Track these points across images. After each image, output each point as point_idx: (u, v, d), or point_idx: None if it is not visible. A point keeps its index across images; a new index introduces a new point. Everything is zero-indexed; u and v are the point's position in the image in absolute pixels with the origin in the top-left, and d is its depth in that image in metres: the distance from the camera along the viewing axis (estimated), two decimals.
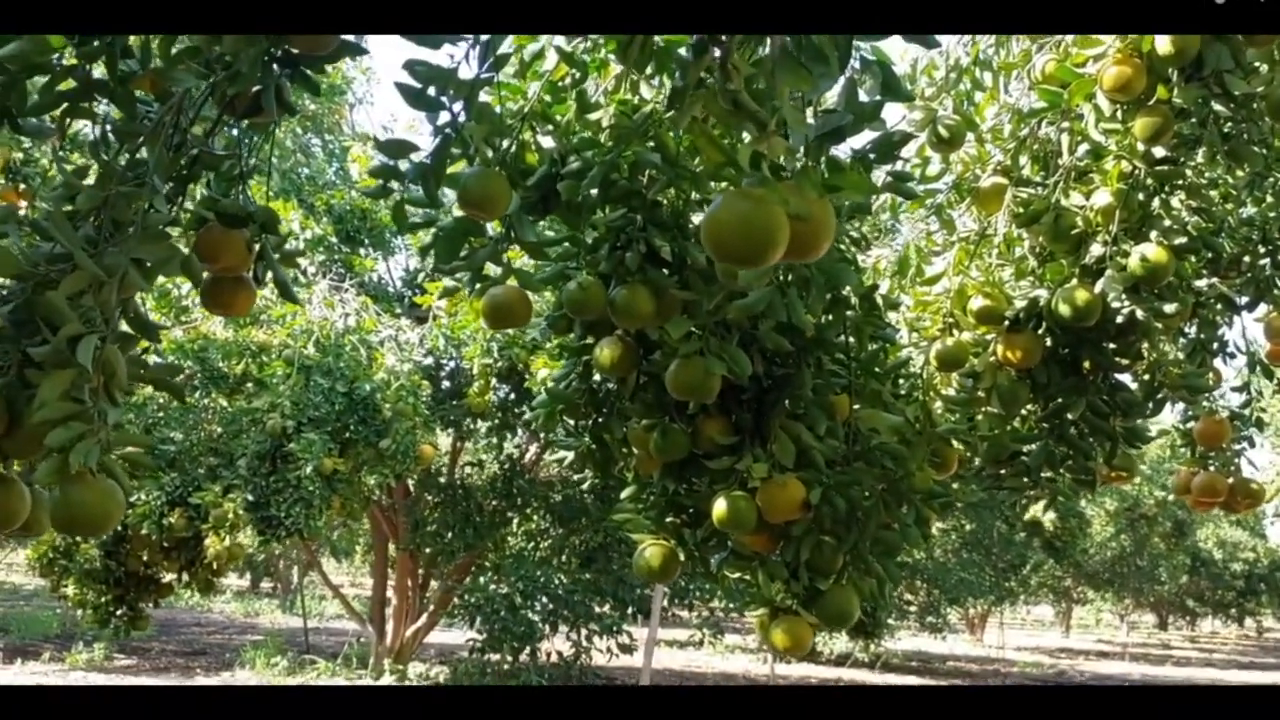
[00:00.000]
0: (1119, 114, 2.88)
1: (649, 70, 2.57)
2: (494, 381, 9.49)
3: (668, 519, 3.15)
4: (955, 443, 3.54)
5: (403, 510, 12.79)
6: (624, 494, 3.21)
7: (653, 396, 3.04)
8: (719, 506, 2.85)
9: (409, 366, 8.25)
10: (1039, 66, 3.06)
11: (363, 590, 27.83)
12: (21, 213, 2.14)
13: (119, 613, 7.60)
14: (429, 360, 9.80)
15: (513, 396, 10.68)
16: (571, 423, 3.21)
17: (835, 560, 2.98)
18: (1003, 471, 3.42)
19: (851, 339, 2.95)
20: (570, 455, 3.28)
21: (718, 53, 1.47)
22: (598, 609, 11.50)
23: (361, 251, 10.80)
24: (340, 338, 8.04)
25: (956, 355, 3.26)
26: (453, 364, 10.51)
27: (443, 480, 12.34)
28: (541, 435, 12.34)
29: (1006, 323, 3.19)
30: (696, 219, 2.71)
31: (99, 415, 1.93)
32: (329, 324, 8.10)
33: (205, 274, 2.33)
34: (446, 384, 10.80)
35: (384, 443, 7.76)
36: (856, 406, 3.09)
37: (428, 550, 12.10)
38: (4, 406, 1.94)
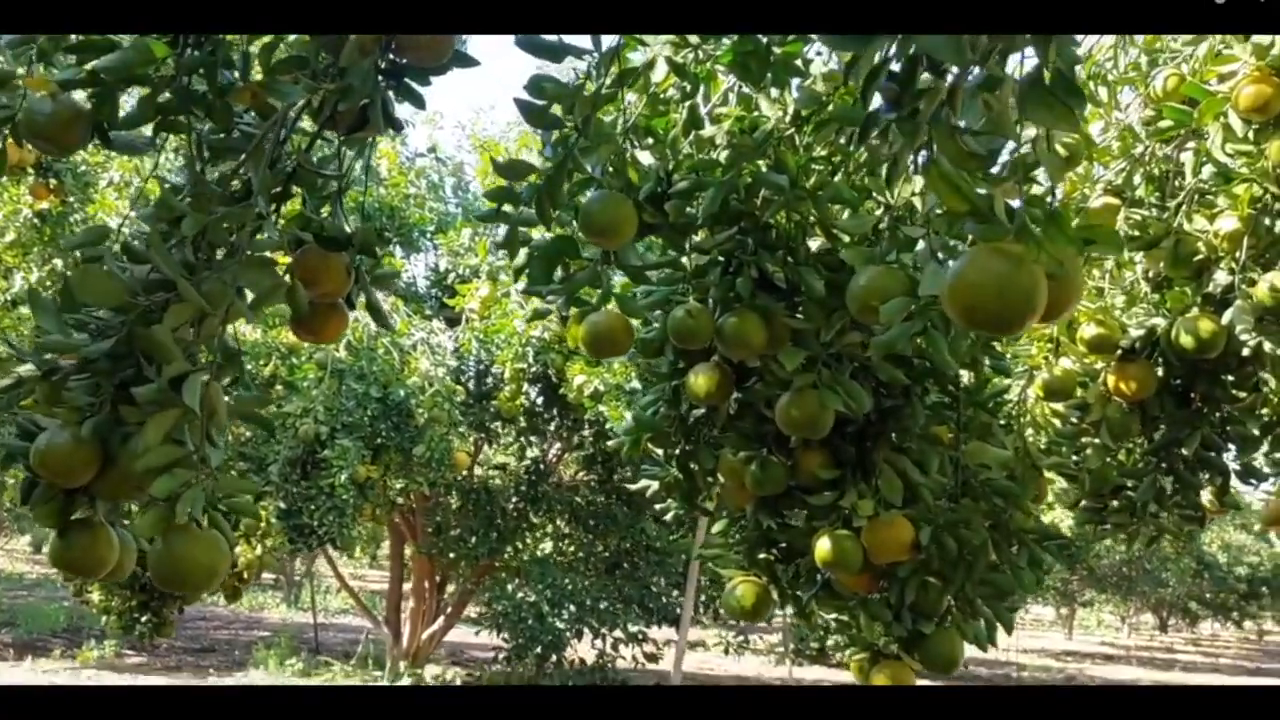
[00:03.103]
0: (1250, 135, 2.72)
1: (767, 84, 2.42)
2: (525, 385, 9.33)
3: (760, 555, 3.00)
4: (1050, 474, 3.39)
5: (422, 512, 12.64)
6: (713, 528, 3.05)
7: (749, 426, 2.88)
8: (823, 546, 2.69)
9: (442, 371, 8.09)
10: (1159, 82, 2.90)
11: (366, 584, 27.72)
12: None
13: (144, 619, 7.47)
14: (456, 362, 9.65)
15: (542, 400, 10.53)
16: (658, 451, 3.06)
17: (941, 603, 2.82)
18: (1106, 505, 3.26)
19: (964, 369, 2.80)
20: (654, 485, 3.13)
21: (926, 77, 1.30)
22: (623, 617, 11.35)
23: (389, 251, 10.63)
24: (372, 340, 7.88)
25: (1064, 385, 3.10)
26: (480, 366, 10.36)
27: (465, 483, 12.19)
28: (565, 438, 12.20)
29: (1119, 352, 3.03)
30: (813, 243, 2.56)
31: (202, 459, 1.77)
32: (360, 326, 7.94)
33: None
34: (474, 385, 10.64)
35: (417, 449, 7.61)
36: (957, 438, 2.95)
37: (450, 554, 11.94)
38: (98, 447, 1.78)
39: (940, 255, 2.03)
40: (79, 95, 1.95)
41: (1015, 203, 1.27)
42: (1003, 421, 3.16)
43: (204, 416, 1.79)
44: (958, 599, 2.82)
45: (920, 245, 2.16)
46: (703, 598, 11.35)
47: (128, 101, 2.13)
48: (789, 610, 3.07)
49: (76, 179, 8.13)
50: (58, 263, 8.39)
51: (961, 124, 1.23)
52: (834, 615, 2.97)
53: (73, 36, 1.87)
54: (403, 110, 2.20)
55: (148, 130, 2.07)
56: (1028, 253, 1.23)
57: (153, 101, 1.98)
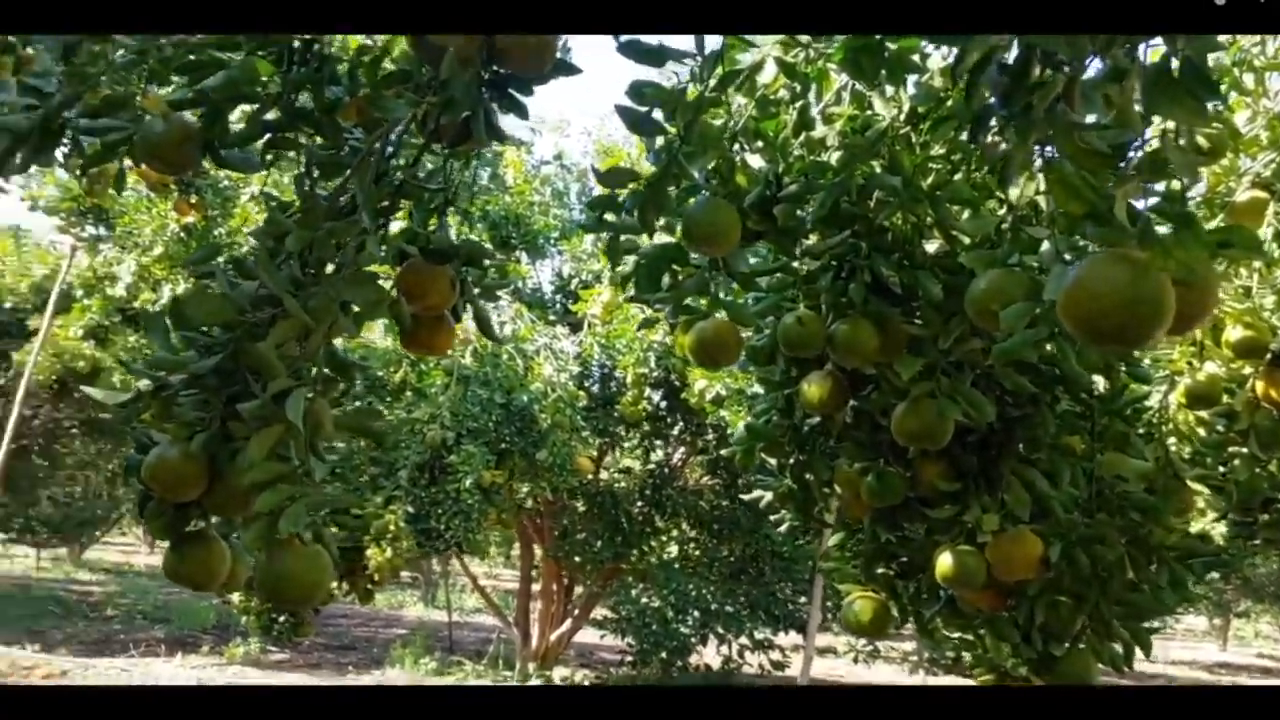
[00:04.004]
0: None
1: (881, 81, 2.32)
2: (647, 390, 9.32)
3: (878, 569, 2.89)
4: (1195, 485, 3.18)
5: (549, 516, 12.77)
6: (830, 540, 2.96)
7: (865, 436, 2.78)
8: (944, 562, 2.58)
9: (565, 377, 8.14)
10: None
11: (499, 583, 28.18)
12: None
13: (281, 619, 7.73)
14: (579, 368, 9.71)
15: (665, 405, 10.52)
16: (773, 461, 2.99)
17: (1073, 623, 2.67)
18: (1256, 519, 3.05)
19: (1097, 375, 2.64)
20: (768, 495, 3.06)
21: (1044, 70, 1.20)
22: (748, 623, 11.24)
23: (514, 258, 10.78)
24: (497, 346, 7.97)
25: (1209, 391, 2.90)
26: (604, 371, 10.40)
27: (589, 487, 12.27)
28: (688, 443, 12.16)
29: (1269, 356, 2.82)
30: (930, 246, 2.45)
31: (306, 474, 1.78)
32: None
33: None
34: (597, 390, 10.69)
35: (541, 454, 7.67)
36: (1091, 448, 2.79)
37: (576, 558, 12.02)
38: (206, 462, 1.81)
39: (1067, 257, 1.91)
40: (190, 115, 2.00)
41: (1144, 203, 1.16)
42: (1141, 431, 2.98)
43: (308, 431, 1.79)
44: (1092, 619, 2.67)
45: (1045, 246, 2.04)
46: (830, 604, 11.15)
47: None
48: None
49: (217, 194, 8.47)
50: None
51: (1084, 119, 1.13)
52: (958, 634, 2.85)
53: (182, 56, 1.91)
54: (533, 115, 2.17)
55: (259, 147, 2.11)
56: (1153, 259, 1.12)
57: (261, 119, 2.01)
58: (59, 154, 2.28)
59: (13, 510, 18.37)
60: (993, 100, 1.26)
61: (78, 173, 2.54)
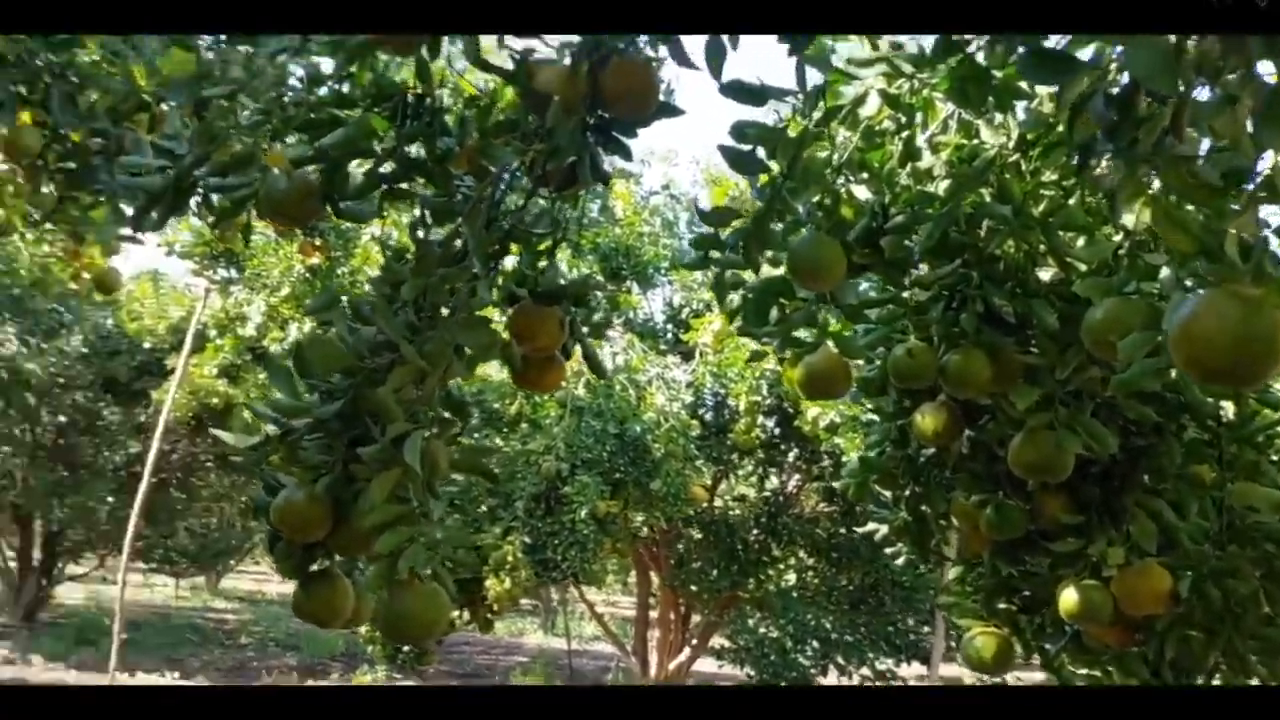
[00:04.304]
0: None
1: (988, 108, 2.29)
2: (760, 418, 9.28)
3: (999, 604, 2.82)
4: None
5: (665, 544, 12.78)
6: (949, 575, 2.91)
7: (982, 467, 2.73)
8: (1068, 597, 2.51)
9: (678, 406, 8.17)
10: None
11: (616, 610, 28.23)
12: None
13: (405, 649, 7.88)
14: (692, 397, 9.73)
15: (779, 432, 10.45)
16: (887, 493, 2.95)
17: (1206, 659, 2.57)
18: None
19: (1225, 402, 2.54)
20: (883, 528, 3.02)
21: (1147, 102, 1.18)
22: (869, 653, 11.03)
23: (625, 288, 10.89)
24: (610, 377, 8.06)
25: None
26: (716, 399, 10.40)
27: (705, 515, 12.24)
28: (803, 470, 12.04)
29: None
30: (1044, 274, 2.40)
31: (424, 514, 1.84)
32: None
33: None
34: (710, 418, 10.68)
35: (654, 484, 7.70)
36: (1221, 478, 2.68)
37: (693, 586, 11.99)
38: (330, 504, 1.88)
39: (1188, 284, 1.85)
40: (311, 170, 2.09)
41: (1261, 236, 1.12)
42: (1275, 458, 2.85)
43: (425, 473, 1.85)
44: (1225, 655, 2.56)
45: (1164, 273, 1.98)
46: (953, 633, 10.87)
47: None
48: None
49: (339, 235, 8.78)
50: None
51: (1193, 151, 1.11)
52: (1085, 670, 2.76)
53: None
54: (637, 149, 2.20)
55: (375, 197, 2.20)
56: (1268, 295, 1.08)
57: (377, 171, 2.10)
58: (191, 205, 2.41)
59: (153, 541, 19.19)
60: (1099, 134, 1.24)
61: (205, 221, 2.65)
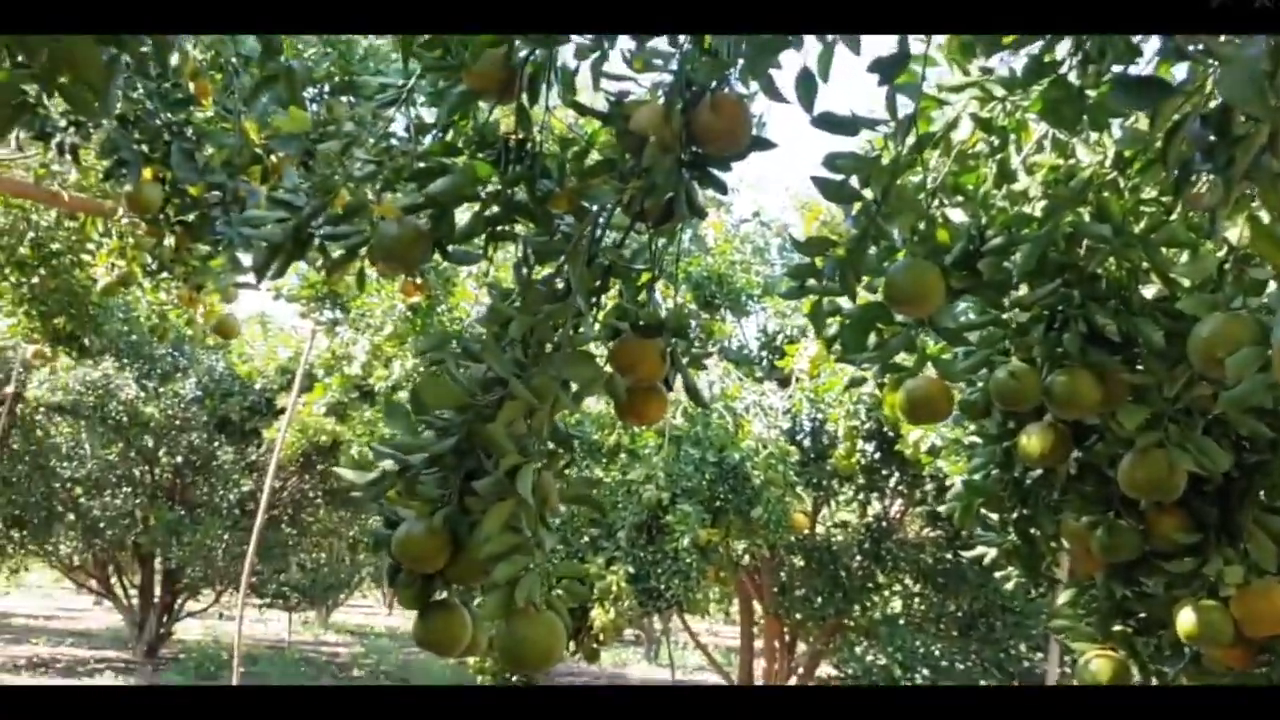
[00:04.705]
0: None
1: (1083, 127, 2.29)
2: (860, 443, 9.21)
3: (1114, 626, 2.77)
4: None
5: (767, 572, 12.71)
6: (1061, 598, 2.87)
7: (1092, 488, 2.70)
8: (1186, 618, 2.46)
9: (776, 433, 8.17)
10: None
11: (720, 640, 28.05)
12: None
13: (513, 679, 8.00)
14: (789, 423, 9.71)
15: (879, 456, 10.35)
16: (994, 517, 2.93)
17: None
18: None
19: None
20: (992, 552, 2.99)
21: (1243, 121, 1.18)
22: (981, 681, 10.79)
23: (719, 316, 10.94)
24: (709, 406, 8.09)
25: None
26: (814, 425, 10.36)
27: (807, 542, 12.15)
28: (905, 495, 11.89)
29: None
30: (1147, 291, 2.37)
31: (538, 544, 1.90)
32: None
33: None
34: (808, 444, 10.64)
35: (755, 511, 7.70)
36: None
37: (797, 614, 11.89)
38: (448, 536, 1.95)
39: None
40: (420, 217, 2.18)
41: None
42: None
43: (537, 504, 1.91)
44: None
45: (1271, 288, 1.96)
46: (1067, 659, 10.57)
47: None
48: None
49: (439, 275, 9.00)
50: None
51: None
52: None
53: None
54: (727, 179, 2.24)
55: (480, 240, 2.29)
56: None
57: (482, 216, 2.18)
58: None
59: (266, 577, 19.74)
60: (1196, 155, 1.25)
61: (319, 267, 2.78)
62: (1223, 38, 1.15)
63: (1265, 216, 1.64)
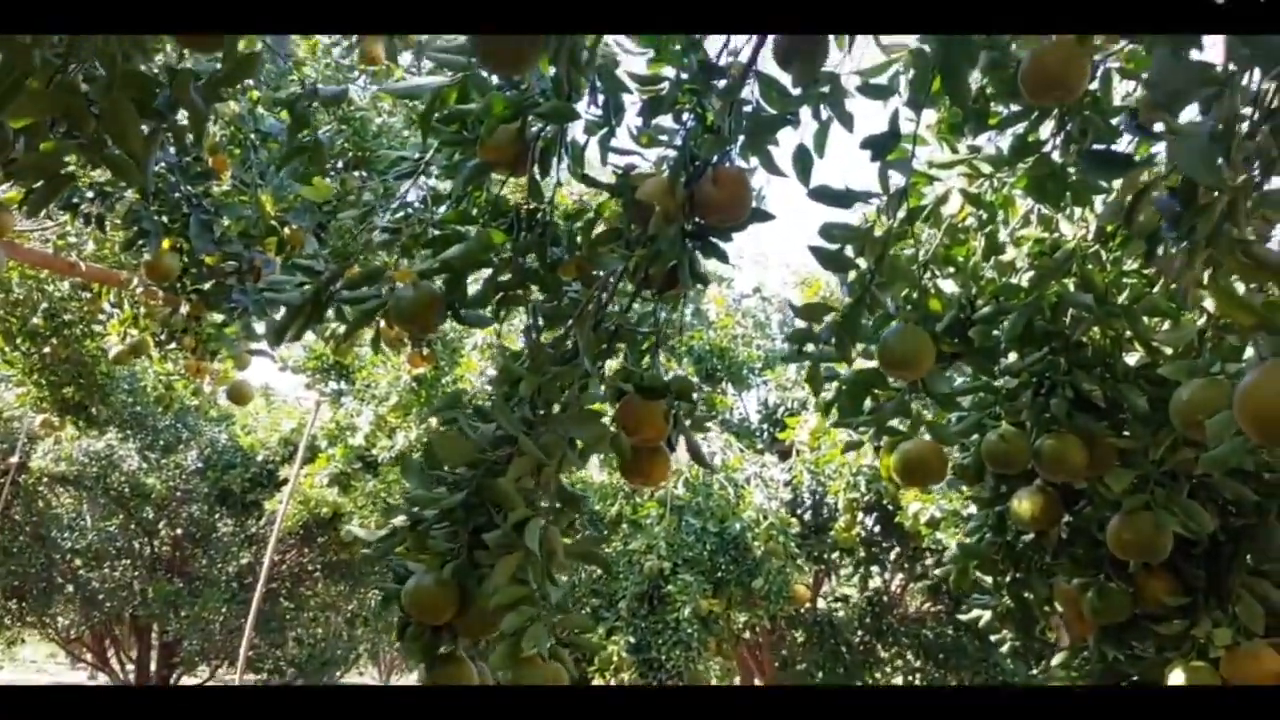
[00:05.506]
0: None
1: (1064, 204, 2.40)
2: (860, 515, 9.23)
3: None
4: None
5: (768, 646, 12.62)
6: (1055, 660, 2.91)
7: (1083, 551, 2.76)
8: (1177, 680, 2.50)
9: (776, 504, 8.21)
10: None
11: None
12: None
13: None
14: (790, 495, 9.74)
15: (879, 529, 10.36)
16: (987, 580, 2.99)
17: None
18: None
19: None
20: (987, 615, 3.04)
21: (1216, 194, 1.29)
22: None
23: (720, 389, 11.04)
24: (708, 477, 8.15)
25: None
26: (815, 497, 10.39)
27: (808, 616, 12.08)
28: (906, 568, 11.85)
29: None
30: (1131, 359, 2.47)
31: (543, 597, 1.96)
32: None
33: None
34: (809, 516, 10.65)
35: (756, 582, 7.71)
36: None
37: None
38: (457, 588, 2.02)
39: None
40: (435, 282, 2.29)
41: None
42: None
43: (544, 556, 1.98)
44: None
45: (1249, 353, 2.04)
46: None
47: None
48: None
49: (445, 345, 9.12)
50: (432, 421, 9.41)
51: (1250, 235, 1.21)
52: None
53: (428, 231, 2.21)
54: (730, 253, 2.32)
55: (491, 305, 2.39)
56: None
57: (494, 281, 2.29)
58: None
59: (263, 651, 19.54)
60: (1163, 224, 1.35)
61: (328, 338, 2.87)
62: (1182, 117, 1.26)
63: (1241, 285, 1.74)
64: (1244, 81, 1.36)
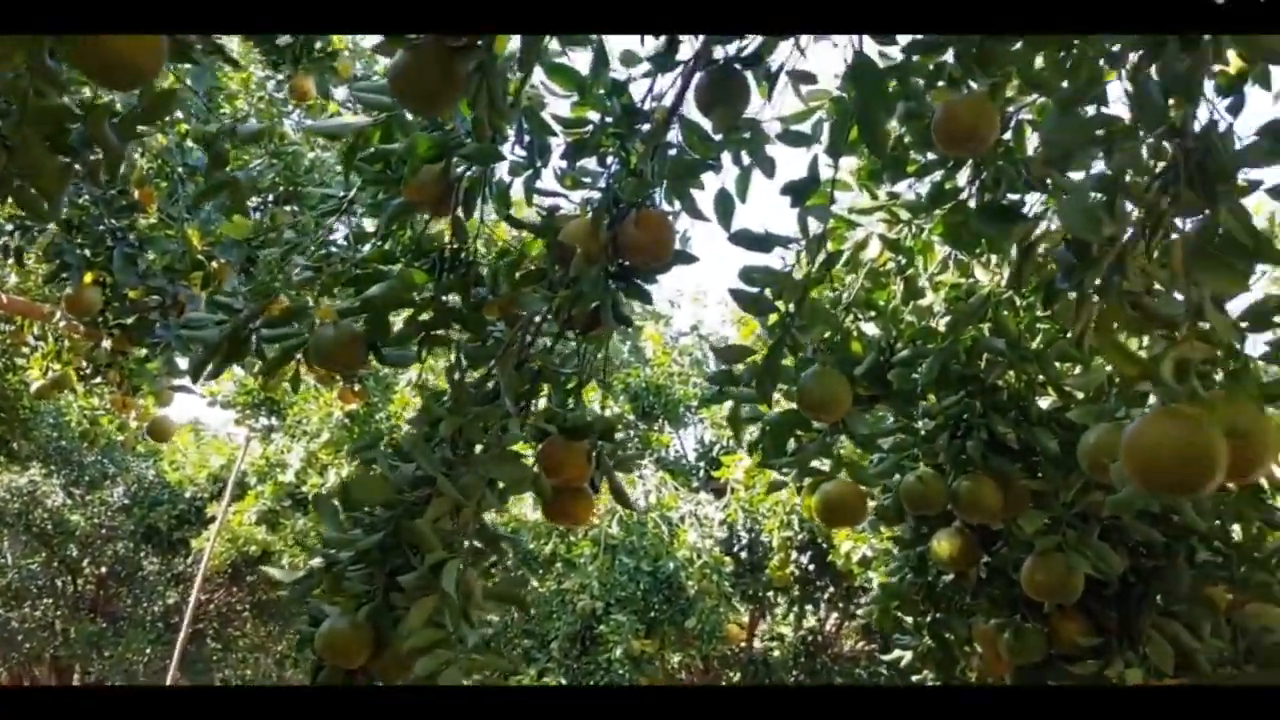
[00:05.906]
0: None
1: (980, 251, 2.47)
2: (794, 553, 9.27)
3: None
4: None
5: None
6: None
7: (999, 592, 2.81)
8: None
9: (711, 543, 8.22)
10: None
11: None
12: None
13: None
14: (725, 533, 9.75)
15: (813, 568, 10.39)
16: (909, 619, 3.02)
17: None
18: None
19: (1231, 524, 2.62)
20: (908, 655, 3.07)
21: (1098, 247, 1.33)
22: None
23: (657, 427, 11.07)
24: (642, 515, 8.14)
25: None
26: (750, 535, 10.41)
27: (743, 655, 12.06)
28: (840, 607, 11.90)
29: None
30: (1044, 402, 2.53)
31: (460, 640, 1.95)
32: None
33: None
34: (744, 555, 10.66)
35: (690, 622, 7.70)
36: (1236, 599, 2.73)
37: None
38: (372, 631, 1.99)
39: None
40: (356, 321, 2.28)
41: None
42: None
43: (460, 599, 1.97)
44: None
45: (1152, 400, 2.11)
46: None
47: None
48: None
49: (378, 382, 9.03)
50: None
51: (1136, 288, 1.25)
52: None
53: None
54: (668, 291, 2.34)
55: (414, 343, 2.38)
56: (1205, 415, 1.21)
57: (416, 320, 2.28)
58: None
59: None
60: (1059, 274, 1.39)
61: (256, 373, 2.84)
62: (1071, 173, 1.31)
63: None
64: (1145, 136, 1.42)
